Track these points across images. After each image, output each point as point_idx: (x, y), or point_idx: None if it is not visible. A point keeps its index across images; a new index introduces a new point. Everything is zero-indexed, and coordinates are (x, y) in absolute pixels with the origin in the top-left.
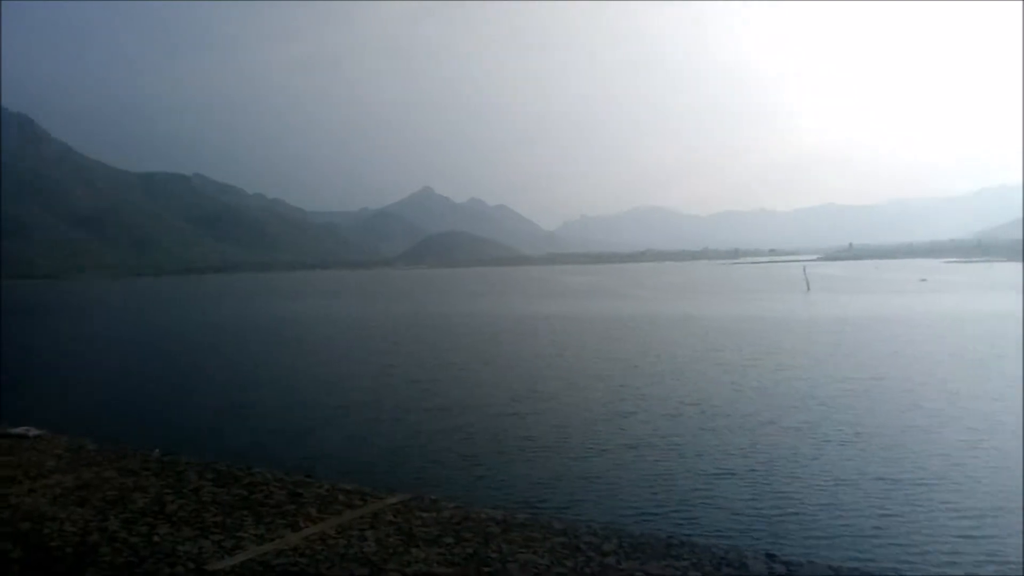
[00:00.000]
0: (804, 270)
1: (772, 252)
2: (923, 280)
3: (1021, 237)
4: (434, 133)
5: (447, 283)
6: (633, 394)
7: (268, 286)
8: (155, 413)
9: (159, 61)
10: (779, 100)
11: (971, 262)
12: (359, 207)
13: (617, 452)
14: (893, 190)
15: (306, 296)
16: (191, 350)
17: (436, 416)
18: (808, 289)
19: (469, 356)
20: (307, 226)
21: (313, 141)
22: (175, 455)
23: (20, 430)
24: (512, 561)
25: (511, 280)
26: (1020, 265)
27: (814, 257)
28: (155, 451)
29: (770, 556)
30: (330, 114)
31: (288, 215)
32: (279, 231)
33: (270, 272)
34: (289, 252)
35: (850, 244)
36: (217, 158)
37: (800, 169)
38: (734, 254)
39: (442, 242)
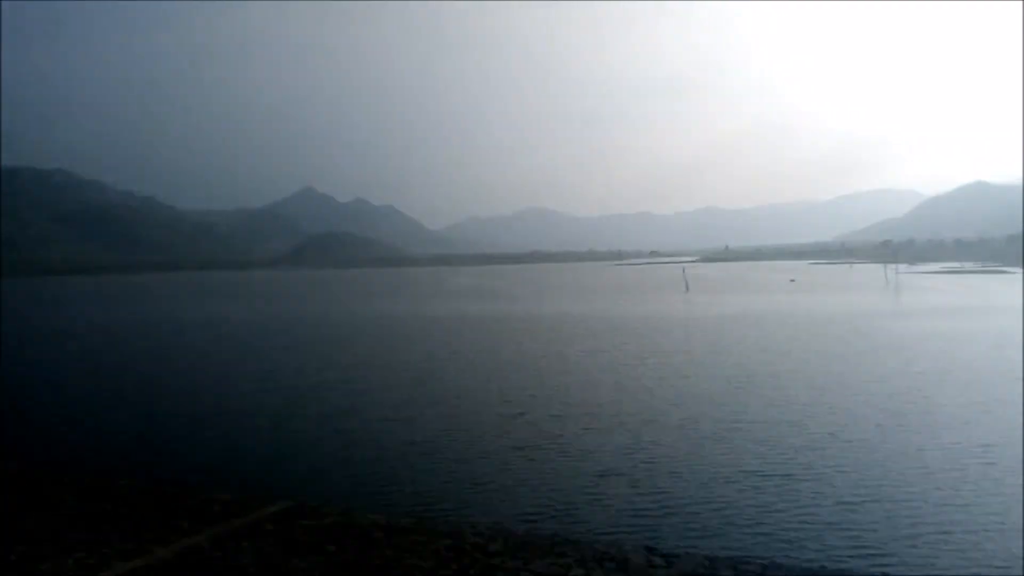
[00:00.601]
0: (684, 271)
1: (654, 253)
2: (792, 280)
3: (880, 239)
4: (317, 131)
5: (330, 285)
6: (520, 395)
7: (131, 289)
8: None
9: (16, 50)
10: (663, 105)
11: (835, 263)
12: (237, 206)
13: (503, 454)
14: (767, 195)
15: (176, 299)
16: (43, 358)
17: (318, 422)
18: (687, 289)
19: (353, 360)
20: (181, 225)
21: (187, 137)
22: (32, 468)
23: None
24: (396, 566)
25: (397, 282)
26: (880, 266)
27: (693, 258)
28: (10, 465)
29: (649, 549)
30: (207, 109)
31: (160, 213)
32: (149, 230)
33: (138, 274)
34: (160, 252)
35: (727, 246)
36: (82, 154)
37: (681, 173)
38: (618, 255)
39: (325, 243)
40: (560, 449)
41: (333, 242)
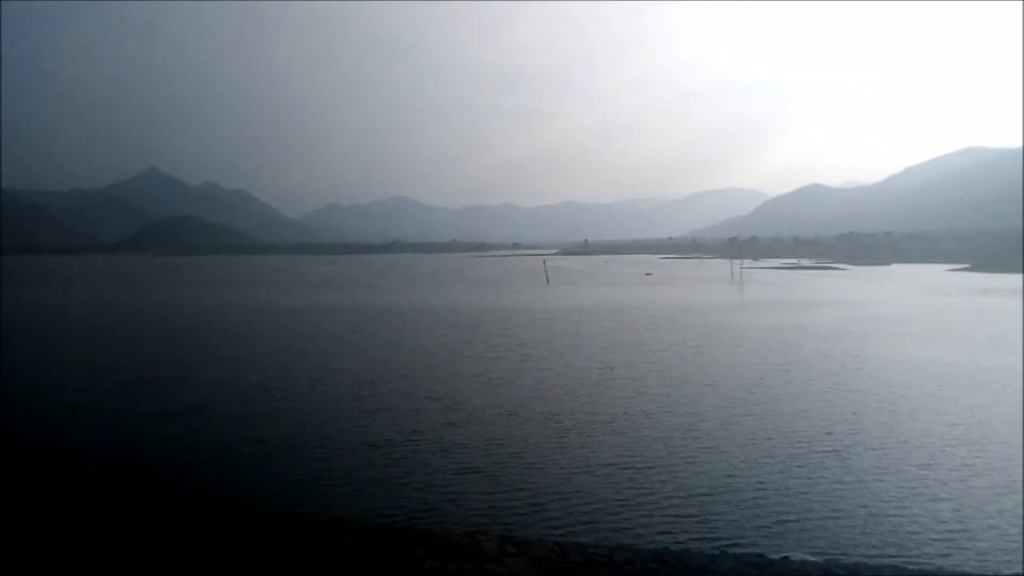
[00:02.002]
0: (544, 263)
1: (515, 246)
2: (648, 274)
3: (727, 236)
4: (161, 112)
5: (175, 272)
6: (379, 390)
7: None
8: None
9: None
10: (526, 99)
11: (686, 258)
12: (71, 187)
13: (360, 451)
14: (624, 192)
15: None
16: None
17: (157, 422)
18: (548, 281)
19: (197, 353)
20: (8, 207)
21: (15, 113)
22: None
23: None
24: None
25: (250, 270)
26: (727, 261)
27: (553, 251)
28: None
29: (503, 538)
30: (37, 84)
31: None
32: None
33: None
34: None
35: (586, 240)
36: None
37: (543, 168)
38: (480, 247)
39: (171, 228)
40: (418, 445)
41: (179, 227)
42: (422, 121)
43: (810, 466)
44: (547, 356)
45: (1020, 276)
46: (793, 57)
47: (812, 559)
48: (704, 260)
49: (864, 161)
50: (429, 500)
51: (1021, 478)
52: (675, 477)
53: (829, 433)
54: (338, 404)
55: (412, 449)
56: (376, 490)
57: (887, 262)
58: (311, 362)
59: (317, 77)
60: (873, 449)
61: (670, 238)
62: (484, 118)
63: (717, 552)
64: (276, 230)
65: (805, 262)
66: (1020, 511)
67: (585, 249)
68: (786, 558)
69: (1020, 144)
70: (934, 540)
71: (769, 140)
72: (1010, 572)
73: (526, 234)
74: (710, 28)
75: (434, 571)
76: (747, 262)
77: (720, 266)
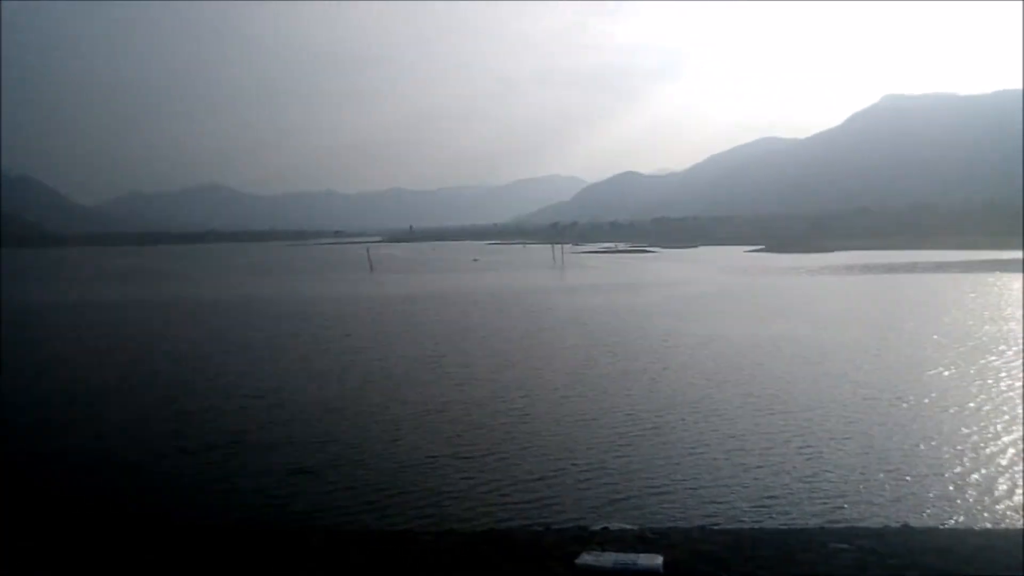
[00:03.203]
0: (368, 251)
1: (338, 233)
2: (475, 260)
3: (549, 222)
4: None
5: None
6: (200, 388)
7: None
8: None
9: None
10: (346, 82)
11: (511, 244)
12: None
13: (173, 458)
14: (450, 178)
15: None
16: None
17: None
18: (372, 270)
19: None
20: None
21: None
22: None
23: None
24: None
25: (32, 264)
26: (550, 246)
27: (378, 239)
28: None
29: (329, 531)
30: None
31: None
32: None
33: None
34: None
35: (411, 227)
36: None
37: (367, 153)
38: (301, 235)
39: None
40: (244, 447)
41: None
42: (236, 105)
43: (635, 444)
44: (375, 347)
45: (808, 255)
46: (608, 48)
47: (629, 527)
48: (528, 245)
49: (673, 149)
50: (253, 503)
51: (819, 443)
52: (507, 464)
53: (654, 411)
54: (145, 409)
55: (233, 452)
56: (195, 498)
57: (695, 244)
58: (113, 361)
59: (118, 55)
60: (696, 424)
61: (495, 224)
62: (304, 102)
63: (542, 529)
64: (66, 219)
65: (622, 246)
66: (811, 470)
67: (411, 236)
68: (605, 528)
69: (809, 135)
70: (743, 503)
71: (587, 129)
72: (813, 524)
73: (350, 221)
74: (532, 16)
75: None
76: (568, 246)
77: (543, 251)
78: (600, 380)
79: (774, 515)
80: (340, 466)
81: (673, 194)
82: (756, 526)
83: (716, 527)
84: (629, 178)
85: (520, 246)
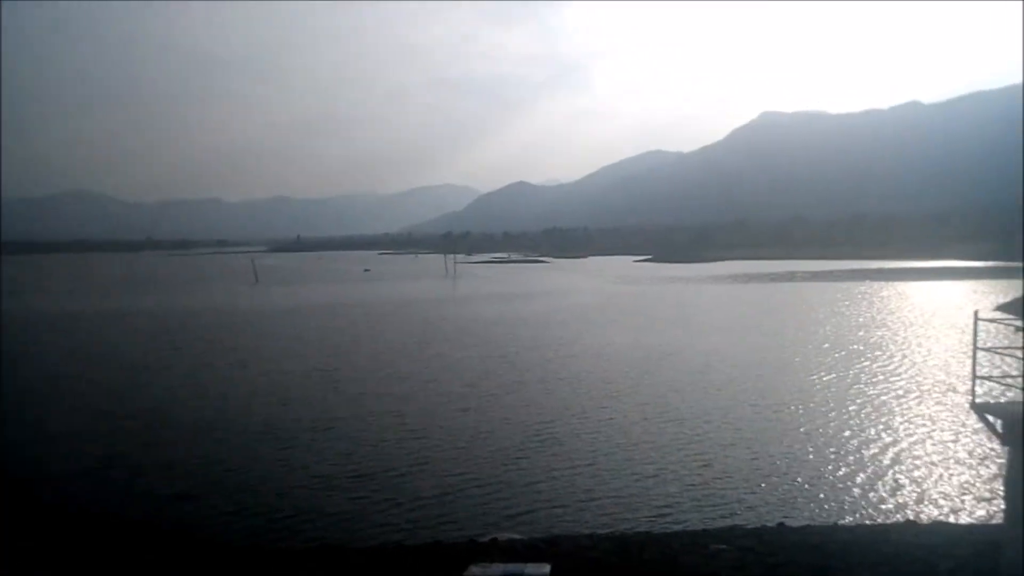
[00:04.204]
0: (253, 262)
1: (221, 243)
2: (367, 270)
3: (442, 232)
4: None
5: None
6: (67, 409)
7: None
8: None
9: None
10: (231, 85)
11: (403, 254)
12: None
13: (37, 485)
14: (339, 186)
15: None
16: None
17: None
18: (257, 280)
19: None
20: None
21: None
22: None
23: None
24: None
25: None
26: (442, 256)
27: (263, 248)
28: None
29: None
30: None
31: None
32: None
33: None
34: None
35: (298, 236)
36: None
37: (252, 160)
38: (182, 245)
39: None
40: (118, 472)
41: None
42: (108, 107)
43: (530, 455)
44: (262, 361)
45: (693, 265)
46: (501, 57)
47: (519, 537)
48: (420, 255)
49: (564, 160)
50: (125, 531)
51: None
52: (400, 480)
53: (548, 422)
54: (7, 431)
55: (106, 478)
56: (58, 528)
57: (585, 255)
58: None
59: None
60: (589, 434)
61: (387, 234)
62: (183, 106)
63: (432, 543)
64: None
65: (514, 256)
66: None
67: (298, 246)
68: (495, 539)
69: (693, 149)
70: (632, 510)
71: (480, 138)
72: (697, 528)
73: (234, 230)
74: (424, 24)
75: None
76: (461, 257)
77: (435, 261)
78: (495, 391)
79: (661, 520)
80: (224, 490)
81: (564, 204)
82: (643, 531)
83: (604, 533)
84: (521, 188)
85: (412, 256)
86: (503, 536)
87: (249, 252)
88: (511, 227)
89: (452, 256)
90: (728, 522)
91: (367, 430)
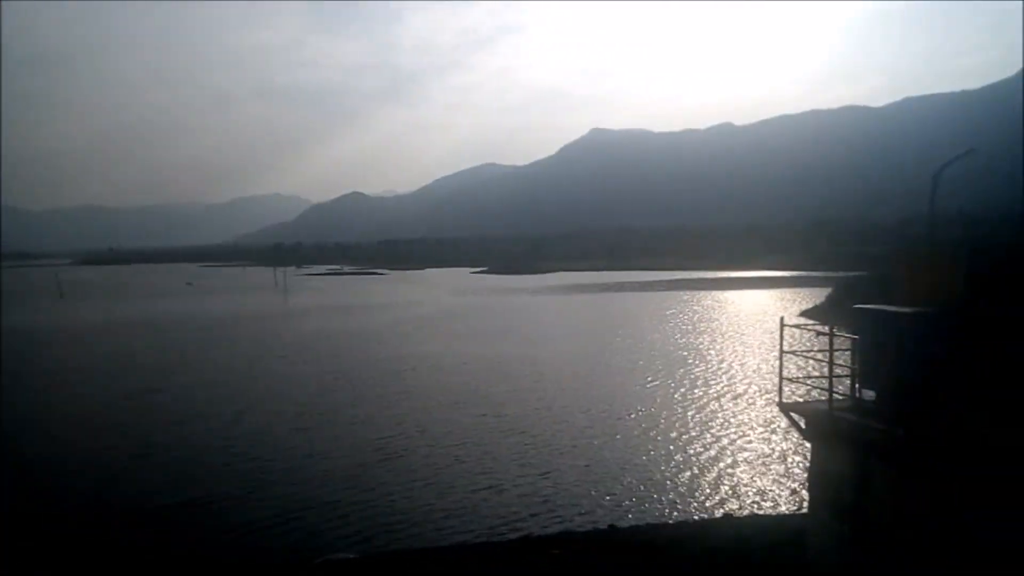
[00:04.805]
0: (57, 275)
1: (22, 255)
2: (190, 284)
3: (272, 243)
4: None
5: None
6: None
7: None
8: None
9: None
10: (34, 86)
11: (229, 266)
12: None
13: None
14: (158, 194)
15: None
16: None
17: None
18: (62, 296)
19: None
20: None
21: None
22: None
23: None
24: None
25: None
26: (272, 269)
27: (70, 261)
28: None
29: None
30: None
31: None
32: None
33: None
34: None
35: (110, 247)
36: None
37: (56, 166)
38: None
39: None
40: None
41: None
42: None
43: (370, 473)
44: (70, 384)
45: (529, 276)
46: (331, 66)
47: (351, 556)
48: (248, 267)
49: (400, 171)
50: None
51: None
52: (229, 507)
53: (388, 438)
54: None
55: None
56: None
57: (422, 267)
58: None
59: None
60: (429, 448)
61: (212, 245)
62: None
63: (262, 566)
64: None
65: (348, 268)
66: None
67: (112, 258)
68: (327, 560)
69: (527, 162)
70: (472, 522)
71: (312, 147)
72: (547, 533)
73: (35, 241)
74: (249, 29)
75: None
76: (292, 269)
77: (265, 273)
78: (333, 408)
79: (498, 530)
80: (34, 526)
81: (400, 216)
82: (481, 541)
83: (442, 547)
84: (356, 199)
85: (239, 269)
86: (337, 556)
87: (54, 265)
88: (345, 238)
89: (283, 268)
90: (562, 527)
91: (192, 455)
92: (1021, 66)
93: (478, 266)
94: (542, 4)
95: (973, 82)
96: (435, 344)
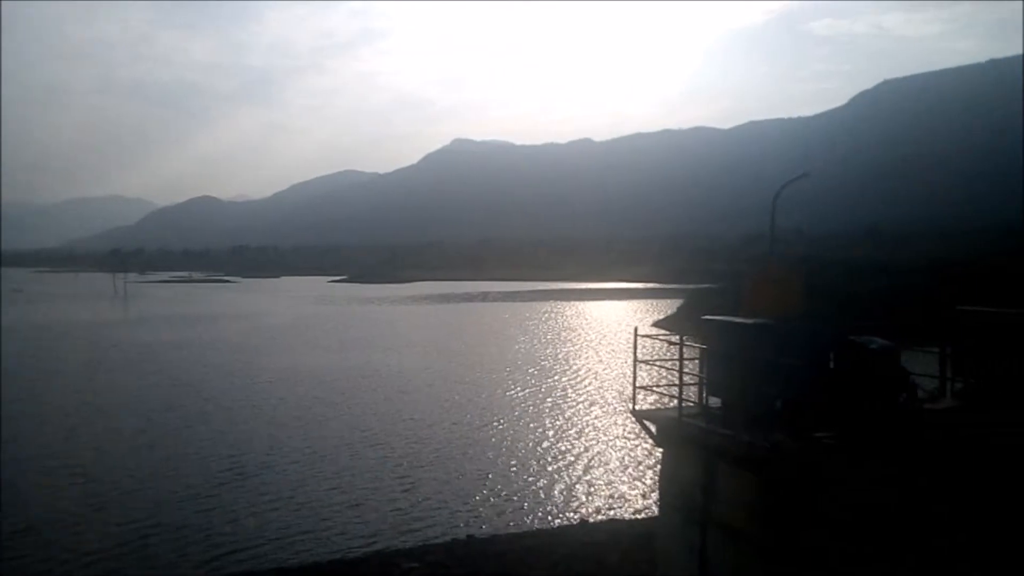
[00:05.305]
0: None
1: None
2: (17, 291)
3: (110, 247)
4: None
5: None
6: None
7: None
8: None
9: None
10: None
11: (61, 271)
12: None
13: None
14: None
15: None
16: None
17: None
18: None
19: None
20: None
21: None
22: None
23: None
24: None
25: None
26: (110, 275)
27: None
28: None
29: None
30: None
31: None
32: None
33: None
34: None
35: None
36: None
37: None
38: None
39: None
40: None
41: None
42: None
43: (219, 493)
44: None
45: (390, 285)
46: (183, 64)
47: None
48: (82, 273)
49: (254, 176)
50: None
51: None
52: (56, 532)
53: (240, 454)
54: None
55: None
56: None
57: (277, 275)
58: None
59: None
60: (281, 466)
61: (43, 249)
62: None
63: None
64: None
65: (197, 275)
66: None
67: None
68: None
69: (388, 170)
70: (324, 539)
71: (158, 147)
72: (391, 548)
73: None
74: (89, 20)
75: None
76: (133, 275)
77: (103, 280)
78: (179, 425)
79: (353, 547)
80: None
81: (254, 222)
82: (336, 559)
83: (287, 567)
84: (206, 203)
85: (73, 275)
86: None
87: None
88: (194, 245)
89: (123, 275)
90: (421, 540)
91: (10, 479)
92: (852, 96)
93: (336, 275)
94: (407, 10)
95: (808, 109)
96: (290, 356)
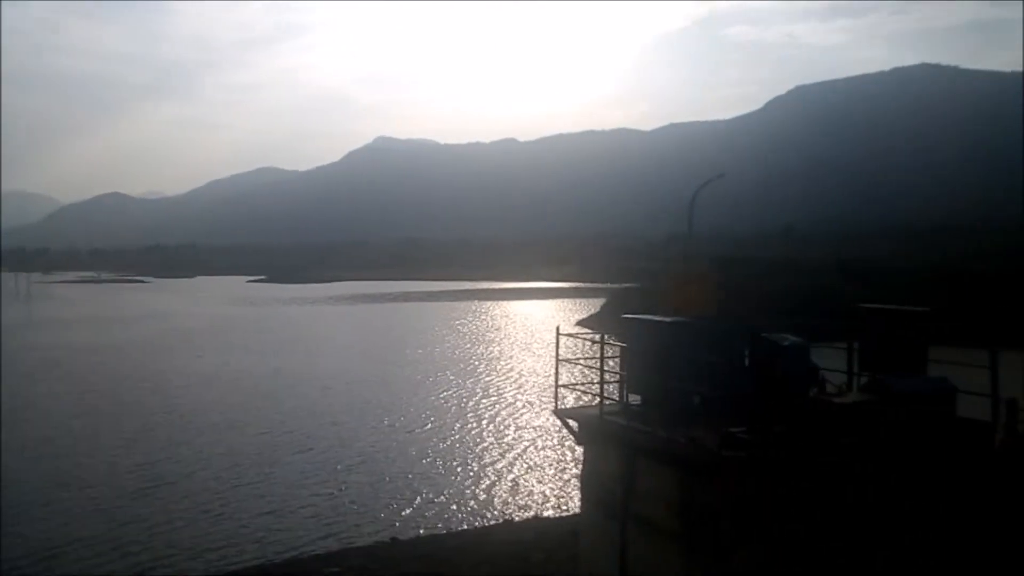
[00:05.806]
0: None
1: None
2: None
3: (11, 247)
4: None
5: None
6: None
7: None
8: None
9: None
10: None
11: None
12: None
13: None
14: None
15: None
16: None
17: None
18: None
19: None
20: None
21: None
22: None
23: None
24: None
25: None
26: (12, 275)
27: None
28: None
29: None
30: None
31: None
32: None
33: None
34: None
35: None
36: None
37: None
38: None
39: None
40: None
41: None
42: None
43: (133, 503)
44: None
45: (311, 285)
46: (90, 54)
47: None
48: None
49: (168, 172)
50: None
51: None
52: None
53: (155, 461)
54: None
55: None
56: None
57: (192, 275)
58: None
59: None
60: (202, 473)
61: None
62: None
63: None
64: None
65: (106, 275)
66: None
67: None
68: None
69: (309, 168)
70: (244, 547)
71: (63, 141)
72: (311, 554)
73: None
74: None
75: None
76: (36, 276)
77: (4, 280)
78: (87, 434)
79: (275, 551)
80: None
81: (168, 220)
82: (255, 566)
83: (212, 574)
84: (116, 200)
85: None
86: None
87: None
88: (103, 243)
89: (25, 275)
90: (343, 544)
91: None
92: (768, 100)
93: (256, 275)
94: (328, 6)
95: (726, 113)
96: (207, 359)
